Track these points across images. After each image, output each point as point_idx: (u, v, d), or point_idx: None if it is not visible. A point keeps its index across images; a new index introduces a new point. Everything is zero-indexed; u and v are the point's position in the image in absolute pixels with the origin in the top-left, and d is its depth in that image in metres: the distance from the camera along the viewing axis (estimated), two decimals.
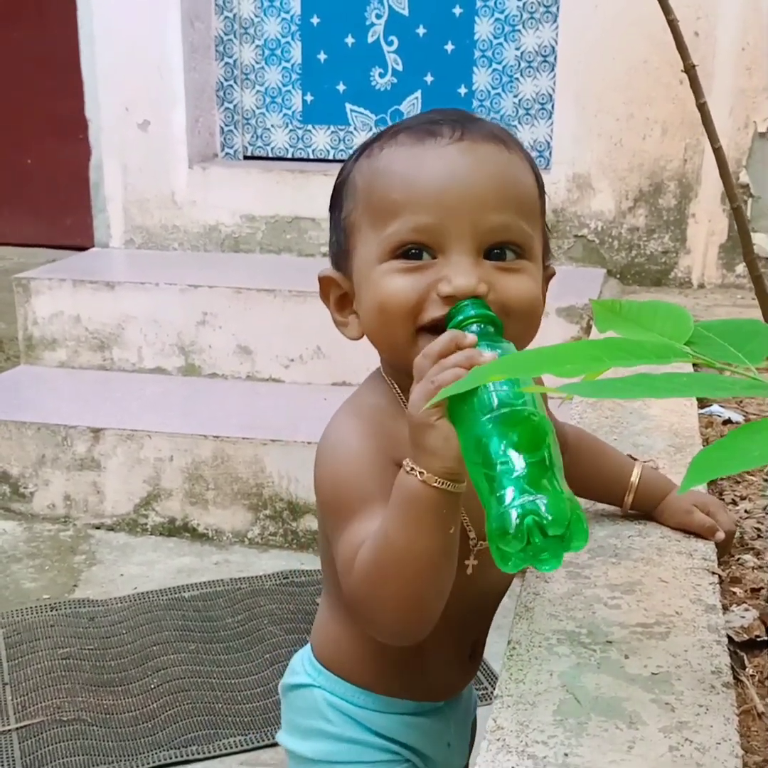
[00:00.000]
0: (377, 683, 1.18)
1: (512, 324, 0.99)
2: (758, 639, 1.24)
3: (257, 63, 3.99)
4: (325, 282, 1.11)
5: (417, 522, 0.92)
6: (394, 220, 1.01)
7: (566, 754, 0.87)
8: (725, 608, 1.29)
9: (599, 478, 1.32)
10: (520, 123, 3.77)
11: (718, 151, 1.29)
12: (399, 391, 1.09)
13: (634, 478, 1.30)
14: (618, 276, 3.60)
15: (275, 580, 2.90)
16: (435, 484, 0.90)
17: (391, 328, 1.02)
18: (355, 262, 1.07)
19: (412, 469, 0.91)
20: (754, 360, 0.83)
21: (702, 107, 1.25)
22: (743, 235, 1.35)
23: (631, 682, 0.98)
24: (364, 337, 1.10)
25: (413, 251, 1.01)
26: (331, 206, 1.12)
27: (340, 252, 1.10)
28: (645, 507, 1.32)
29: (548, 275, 1.12)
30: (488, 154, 1.03)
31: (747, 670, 1.18)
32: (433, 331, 0.98)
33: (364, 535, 0.98)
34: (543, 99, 3.74)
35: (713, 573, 1.24)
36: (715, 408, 2.08)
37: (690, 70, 1.23)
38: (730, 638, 1.22)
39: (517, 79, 3.76)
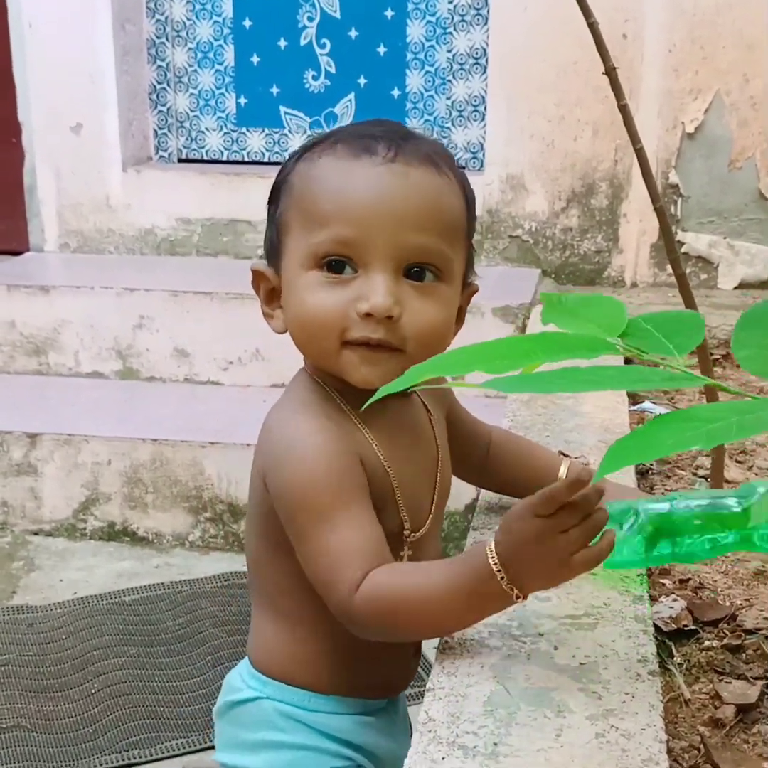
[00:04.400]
0: (328, 684, 1.18)
1: (416, 347, 1.06)
2: (686, 628, 1.27)
3: (190, 66, 3.98)
4: (256, 274, 1.16)
5: (471, 608, 0.99)
6: (322, 230, 1.06)
7: (496, 744, 0.89)
8: (654, 599, 1.32)
9: (528, 476, 1.34)
10: (453, 125, 3.80)
11: (639, 152, 1.33)
12: (330, 389, 1.13)
13: (562, 472, 1.32)
14: (553, 276, 3.65)
15: (216, 583, 2.90)
16: (516, 599, 0.96)
17: (316, 341, 1.08)
18: (284, 261, 1.11)
19: (503, 577, 0.95)
20: (682, 350, 0.86)
21: (623, 109, 1.28)
22: (666, 233, 1.38)
23: (559, 672, 1.00)
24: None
25: (335, 262, 1.06)
26: (268, 201, 1.16)
27: (272, 248, 1.14)
28: None
29: (471, 292, 1.18)
30: (418, 176, 1.07)
31: (675, 658, 1.21)
32: (357, 345, 1.06)
33: (352, 543, 1.02)
34: (475, 101, 3.77)
35: None
36: (646, 405, 2.12)
37: (610, 72, 1.27)
38: (659, 628, 1.25)
39: (449, 81, 3.79)
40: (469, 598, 0.97)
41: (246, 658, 1.24)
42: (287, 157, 1.17)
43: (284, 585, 1.16)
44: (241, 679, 1.22)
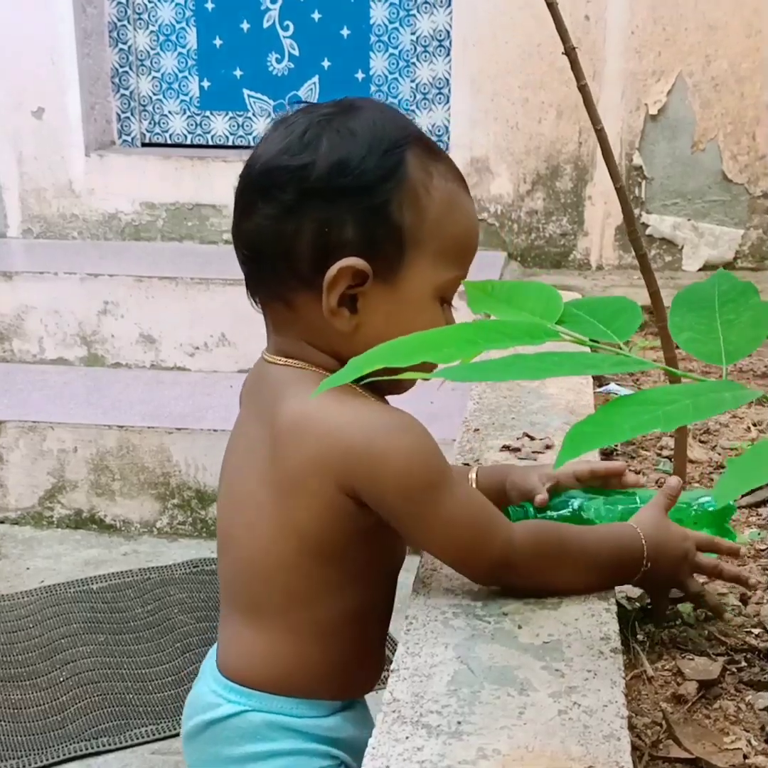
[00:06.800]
0: (317, 690, 1.16)
1: None
2: (650, 607, 1.28)
3: (152, 49, 3.95)
4: (348, 272, 1.07)
5: (617, 573, 1.15)
6: (455, 270, 1.11)
7: (459, 723, 0.89)
8: None
9: None
10: (418, 108, 3.80)
11: (600, 132, 1.33)
12: (355, 384, 1.07)
13: (472, 477, 1.30)
14: (518, 259, 3.65)
15: (185, 569, 2.89)
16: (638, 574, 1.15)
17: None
18: (403, 275, 1.09)
19: (647, 562, 1.14)
20: (622, 336, 0.86)
21: (583, 89, 1.28)
22: (627, 214, 1.38)
23: (523, 651, 1.01)
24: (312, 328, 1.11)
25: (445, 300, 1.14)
26: (358, 187, 1.07)
27: (377, 248, 1.07)
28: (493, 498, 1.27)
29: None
30: None
31: (638, 636, 1.22)
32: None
33: (477, 493, 1.12)
34: (440, 83, 3.77)
35: None
36: (611, 386, 2.13)
37: (570, 52, 1.26)
38: (623, 607, 1.26)
39: (413, 63, 3.78)
40: (619, 566, 1.13)
41: (210, 673, 1.20)
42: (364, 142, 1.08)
43: (308, 594, 1.12)
44: (216, 695, 1.17)
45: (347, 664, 1.17)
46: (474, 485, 1.28)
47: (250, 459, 1.13)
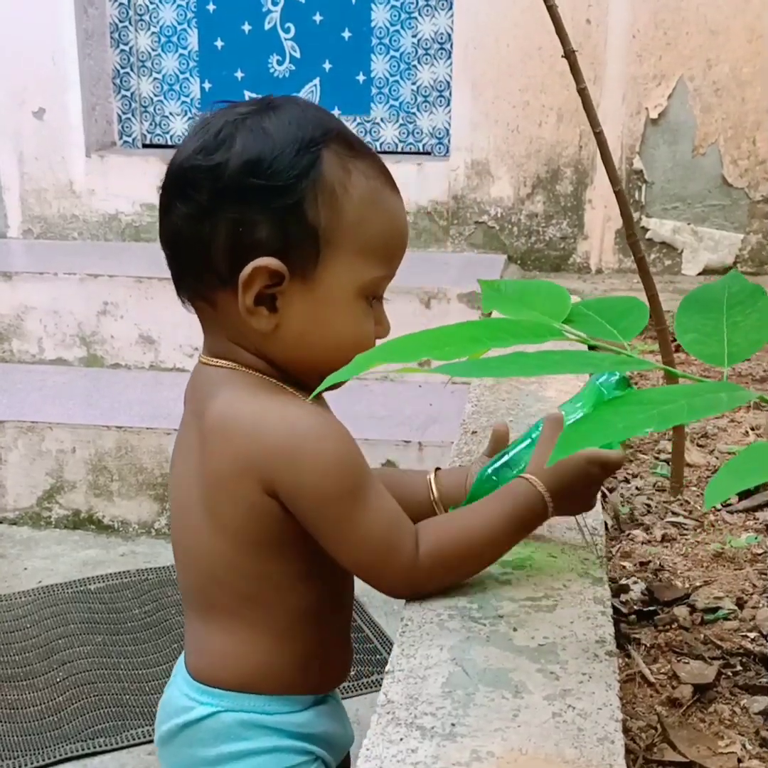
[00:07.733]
0: (287, 687, 1.17)
1: None
2: (645, 610, 1.28)
3: (154, 50, 3.95)
4: (263, 272, 1.06)
5: (519, 532, 1.13)
6: (379, 268, 1.10)
7: (453, 725, 0.89)
8: (615, 581, 1.33)
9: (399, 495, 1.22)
10: (418, 110, 3.80)
11: (599, 135, 1.33)
12: (287, 384, 1.11)
13: (431, 478, 1.28)
14: (518, 262, 3.65)
15: None
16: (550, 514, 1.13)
17: (342, 363, 0.95)
18: (322, 276, 1.07)
19: (551, 505, 1.11)
20: (628, 335, 0.86)
21: (582, 92, 1.29)
22: (626, 217, 1.39)
23: (518, 654, 1.00)
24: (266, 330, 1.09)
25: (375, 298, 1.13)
26: (270, 186, 1.05)
27: (291, 247, 1.06)
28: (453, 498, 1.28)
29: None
30: None
31: (634, 639, 1.22)
32: None
33: (395, 508, 1.08)
34: (441, 86, 3.77)
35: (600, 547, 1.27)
36: None
37: (570, 54, 1.27)
38: (618, 610, 1.26)
39: (414, 66, 3.78)
40: (522, 525, 1.12)
41: (181, 676, 1.20)
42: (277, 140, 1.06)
43: (257, 592, 1.13)
44: (188, 699, 1.18)
45: (311, 659, 1.17)
46: (433, 487, 1.27)
47: (188, 461, 1.14)
